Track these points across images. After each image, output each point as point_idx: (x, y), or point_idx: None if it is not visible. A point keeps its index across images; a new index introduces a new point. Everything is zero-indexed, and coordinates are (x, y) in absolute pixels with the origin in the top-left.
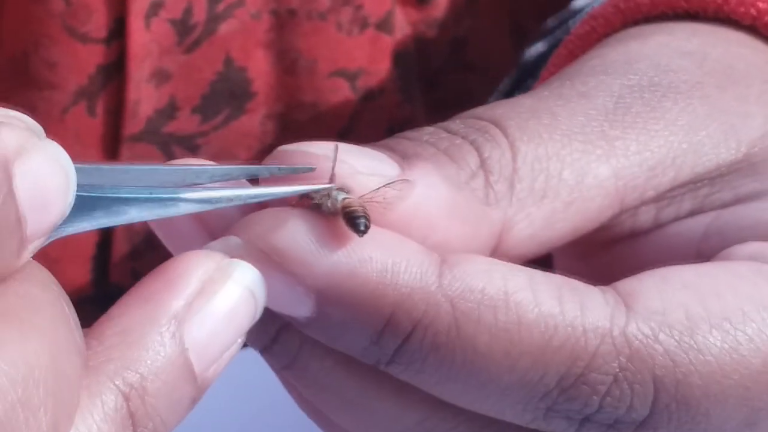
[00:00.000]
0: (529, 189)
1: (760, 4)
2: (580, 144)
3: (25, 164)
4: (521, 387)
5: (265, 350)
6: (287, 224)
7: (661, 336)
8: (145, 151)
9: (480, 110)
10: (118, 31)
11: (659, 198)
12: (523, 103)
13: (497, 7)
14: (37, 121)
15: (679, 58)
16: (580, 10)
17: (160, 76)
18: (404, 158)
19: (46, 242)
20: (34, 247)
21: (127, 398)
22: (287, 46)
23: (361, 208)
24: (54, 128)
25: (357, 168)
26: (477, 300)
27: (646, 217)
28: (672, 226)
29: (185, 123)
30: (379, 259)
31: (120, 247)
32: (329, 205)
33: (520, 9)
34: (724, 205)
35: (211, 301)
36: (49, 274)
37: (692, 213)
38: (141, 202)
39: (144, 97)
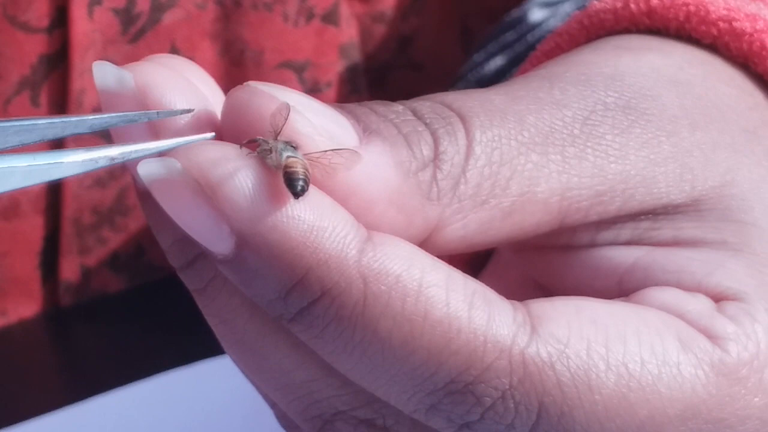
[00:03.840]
0: (472, 193)
1: (721, 24)
2: (536, 156)
3: None
4: (410, 378)
5: (180, 270)
6: (228, 164)
7: (558, 365)
8: (92, 143)
9: (452, 98)
10: (60, 20)
11: (600, 223)
12: (494, 100)
13: (445, 7)
14: None
15: (664, 86)
16: (538, 24)
17: None
18: (365, 131)
19: None
20: None
21: None
22: (233, 37)
23: (303, 170)
24: None
25: (315, 126)
26: (390, 284)
27: (583, 236)
28: (605, 249)
29: None
30: (306, 220)
31: (68, 243)
32: (273, 157)
33: (468, 11)
34: (661, 244)
35: None
36: None
37: (629, 243)
38: (24, 171)
39: (89, 87)
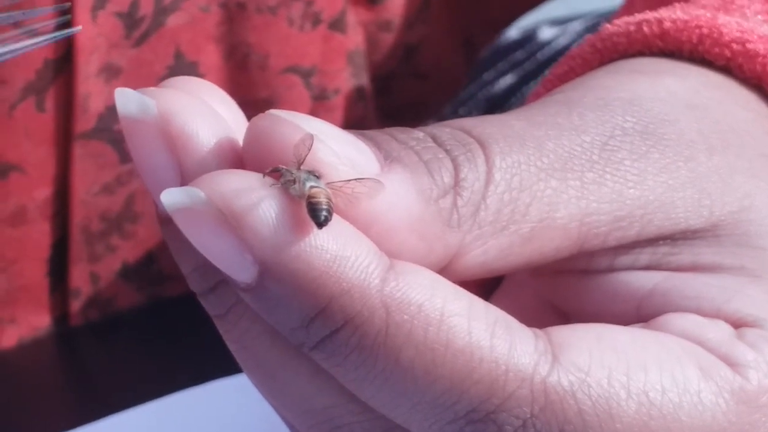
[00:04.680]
0: (492, 219)
1: (735, 46)
2: (555, 181)
3: None
4: (432, 407)
5: (201, 296)
6: (252, 194)
7: (579, 394)
8: (98, 149)
9: (471, 124)
10: (65, 24)
11: (619, 248)
12: (514, 126)
13: (449, 17)
14: None
15: (681, 111)
16: (548, 43)
17: (110, 71)
18: (386, 158)
19: None
20: None
21: None
22: (238, 41)
23: (326, 200)
24: (2, 125)
25: (338, 155)
26: (412, 313)
27: (602, 261)
28: (623, 273)
29: None
30: (329, 249)
31: (77, 250)
32: (296, 187)
33: (471, 22)
34: (680, 269)
35: None
36: None
37: (647, 267)
38: None
39: (94, 92)
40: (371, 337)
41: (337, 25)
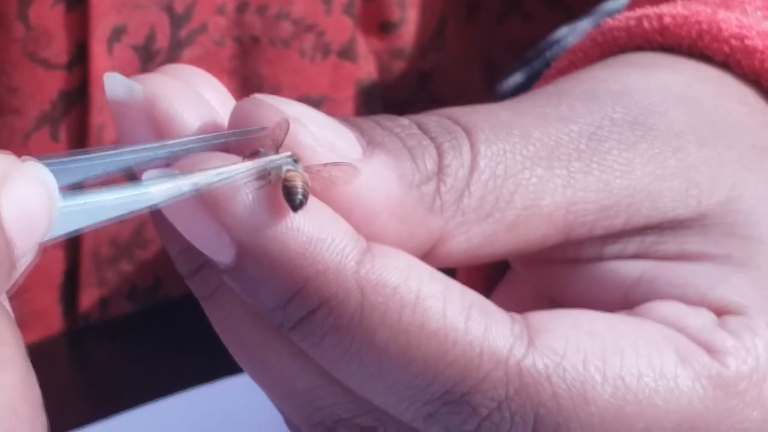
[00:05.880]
0: (476, 206)
1: (733, 42)
2: (541, 170)
3: (10, 192)
4: (407, 388)
5: (188, 278)
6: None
7: (554, 377)
8: (111, 178)
9: (457, 112)
10: (80, 56)
11: (607, 236)
12: (500, 115)
13: (467, 41)
14: (0, 147)
15: (672, 103)
16: (557, 41)
17: None
18: (369, 144)
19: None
20: (20, 265)
21: None
22: (251, 73)
23: (302, 184)
24: (17, 153)
25: (317, 139)
26: (387, 295)
27: (590, 250)
28: (612, 263)
29: None
30: (305, 231)
31: (87, 276)
32: (274, 171)
33: (492, 43)
34: (667, 258)
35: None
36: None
37: (635, 256)
38: (113, 204)
39: (108, 123)
40: (346, 317)
41: (347, 53)
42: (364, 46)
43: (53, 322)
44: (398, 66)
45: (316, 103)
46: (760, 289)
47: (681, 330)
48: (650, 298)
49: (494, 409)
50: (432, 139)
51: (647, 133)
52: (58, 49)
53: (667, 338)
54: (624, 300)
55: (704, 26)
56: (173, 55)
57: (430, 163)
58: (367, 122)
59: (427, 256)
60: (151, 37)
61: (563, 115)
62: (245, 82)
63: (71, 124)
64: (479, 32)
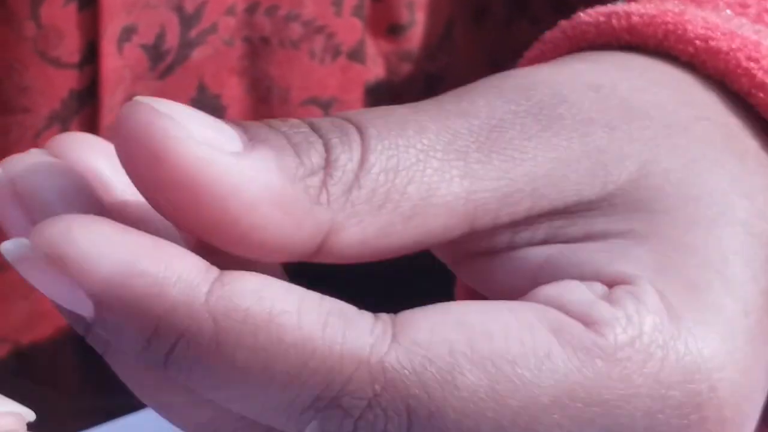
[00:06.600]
0: (366, 198)
1: (698, 43)
2: (436, 162)
3: None
4: (281, 402)
5: (85, 337)
6: (71, 232)
7: (419, 368)
8: None
9: (353, 113)
10: (91, 55)
11: (515, 224)
12: (396, 111)
13: (474, 44)
14: (10, 145)
15: (582, 91)
16: None
17: None
18: (251, 140)
19: None
20: None
21: None
22: (261, 74)
23: None
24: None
25: (192, 133)
26: (240, 319)
27: (501, 239)
28: (522, 250)
29: None
30: (150, 273)
31: None
32: None
33: (499, 46)
34: (573, 240)
35: None
36: None
37: (544, 242)
38: None
39: None
40: (204, 347)
41: (356, 55)
42: (372, 48)
43: (62, 321)
44: (406, 68)
45: (325, 104)
46: (661, 258)
47: (559, 307)
48: (553, 281)
49: (365, 407)
50: (321, 136)
51: (553, 122)
52: (70, 48)
53: (540, 317)
54: (534, 286)
55: (670, 26)
56: (183, 54)
57: (316, 158)
58: (255, 123)
59: (323, 249)
60: (161, 37)
61: (463, 110)
62: (254, 82)
63: (82, 123)
64: (487, 35)
